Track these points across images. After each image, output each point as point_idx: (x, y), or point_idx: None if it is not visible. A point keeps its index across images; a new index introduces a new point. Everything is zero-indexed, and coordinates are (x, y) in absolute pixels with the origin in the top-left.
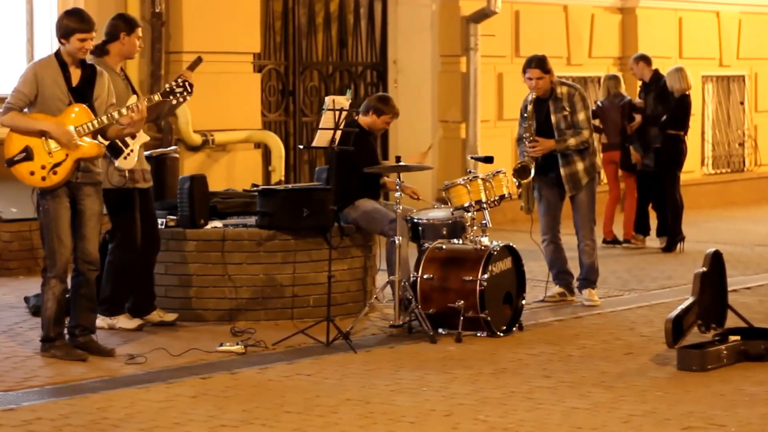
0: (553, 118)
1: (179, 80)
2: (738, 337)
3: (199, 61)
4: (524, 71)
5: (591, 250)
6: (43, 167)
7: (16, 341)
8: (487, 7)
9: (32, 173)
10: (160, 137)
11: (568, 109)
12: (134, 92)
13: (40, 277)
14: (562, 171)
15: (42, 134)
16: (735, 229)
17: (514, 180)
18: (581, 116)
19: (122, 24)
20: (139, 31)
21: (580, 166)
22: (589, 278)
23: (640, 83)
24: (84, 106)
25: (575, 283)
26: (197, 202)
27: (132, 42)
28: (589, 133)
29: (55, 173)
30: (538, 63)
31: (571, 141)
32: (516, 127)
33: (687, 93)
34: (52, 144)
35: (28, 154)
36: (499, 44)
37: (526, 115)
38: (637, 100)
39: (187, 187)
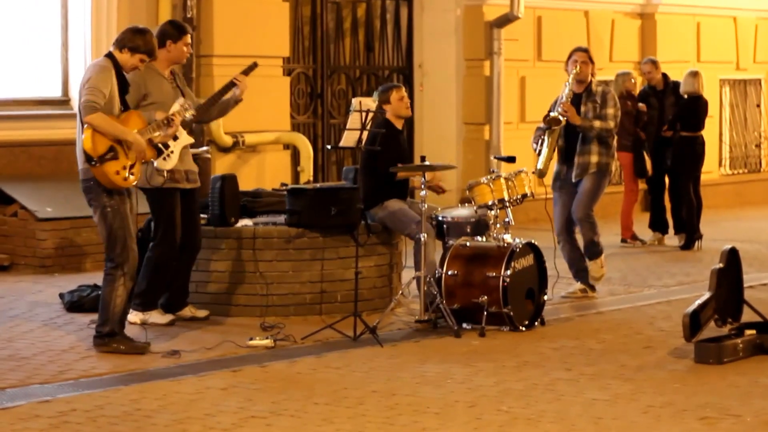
0: (582, 108)
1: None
2: (753, 331)
3: (254, 66)
4: (570, 56)
5: (587, 231)
6: (124, 168)
7: (51, 336)
8: (510, 13)
9: (117, 173)
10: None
11: (599, 101)
12: (183, 95)
13: (73, 275)
14: (576, 159)
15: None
16: (751, 228)
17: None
18: (610, 111)
19: (170, 31)
20: (188, 38)
21: (594, 158)
22: (589, 251)
23: (645, 86)
24: (140, 114)
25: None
26: (228, 201)
27: (179, 49)
28: (615, 126)
29: (132, 174)
30: (586, 50)
31: (596, 123)
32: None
33: (698, 95)
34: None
35: (115, 154)
36: (522, 48)
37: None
38: (640, 104)
39: (219, 187)
